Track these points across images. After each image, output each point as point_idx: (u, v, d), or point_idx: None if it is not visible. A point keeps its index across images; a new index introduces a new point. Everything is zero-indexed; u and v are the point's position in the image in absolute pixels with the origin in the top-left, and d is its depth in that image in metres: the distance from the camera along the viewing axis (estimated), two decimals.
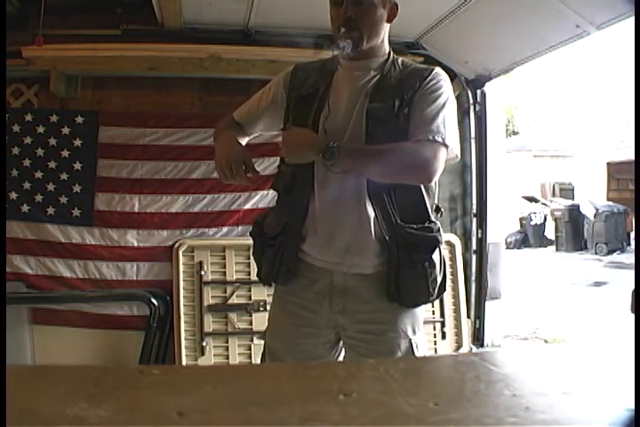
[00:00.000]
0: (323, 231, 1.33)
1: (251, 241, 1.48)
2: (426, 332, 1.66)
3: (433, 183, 1.36)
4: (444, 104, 1.32)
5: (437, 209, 1.40)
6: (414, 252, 1.31)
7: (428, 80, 1.34)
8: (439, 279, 1.37)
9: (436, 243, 1.35)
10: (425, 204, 1.35)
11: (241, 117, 1.52)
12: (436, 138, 1.27)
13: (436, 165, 1.26)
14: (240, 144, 1.42)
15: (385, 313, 1.35)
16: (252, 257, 1.49)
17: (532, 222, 10.86)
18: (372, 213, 1.30)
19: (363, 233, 1.31)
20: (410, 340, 1.35)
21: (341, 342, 1.43)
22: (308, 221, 1.34)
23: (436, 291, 1.37)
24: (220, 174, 1.36)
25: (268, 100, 1.47)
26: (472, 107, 3.20)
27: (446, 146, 1.29)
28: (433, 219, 1.37)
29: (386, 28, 1.39)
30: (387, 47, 1.42)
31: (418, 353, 1.36)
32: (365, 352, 1.34)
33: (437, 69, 1.39)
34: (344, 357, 1.44)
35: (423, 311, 1.44)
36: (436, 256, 1.36)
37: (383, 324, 1.35)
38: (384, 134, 1.30)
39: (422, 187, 1.34)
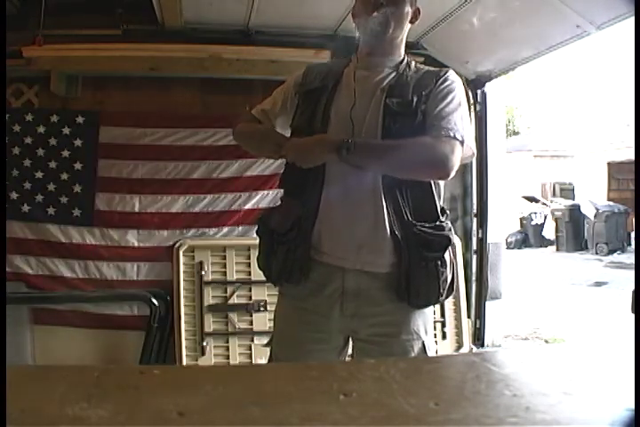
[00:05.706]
0: (336, 227, 1.31)
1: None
2: None
3: (441, 184, 1.36)
4: (459, 103, 1.34)
5: (443, 211, 1.38)
6: (426, 250, 1.30)
7: (443, 80, 1.36)
8: (449, 279, 1.36)
9: (447, 242, 1.33)
10: (435, 203, 1.34)
11: (259, 116, 1.52)
12: (455, 135, 1.27)
13: (453, 160, 1.26)
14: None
15: (397, 315, 1.33)
16: (257, 258, 1.44)
17: (533, 222, 10.85)
18: (385, 210, 1.29)
19: (377, 229, 1.29)
20: (422, 341, 1.34)
21: (348, 346, 1.42)
22: (320, 217, 1.32)
23: (446, 291, 1.36)
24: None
25: (279, 103, 1.48)
26: (472, 107, 3.19)
27: (462, 142, 1.28)
28: (443, 219, 1.36)
29: (407, 27, 1.41)
30: (403, 48, 1.43)
31: (430, 354, 1.36)
32: (378, 355, 1.32)
33: (452, 71, 1.41)
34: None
35: (432, 311, 1.43)
36: (447, 256, 1.34)
37: (396, 326, 1.33)
38: (400, 129, 1.29)
39: (432, 187, 1.33)
